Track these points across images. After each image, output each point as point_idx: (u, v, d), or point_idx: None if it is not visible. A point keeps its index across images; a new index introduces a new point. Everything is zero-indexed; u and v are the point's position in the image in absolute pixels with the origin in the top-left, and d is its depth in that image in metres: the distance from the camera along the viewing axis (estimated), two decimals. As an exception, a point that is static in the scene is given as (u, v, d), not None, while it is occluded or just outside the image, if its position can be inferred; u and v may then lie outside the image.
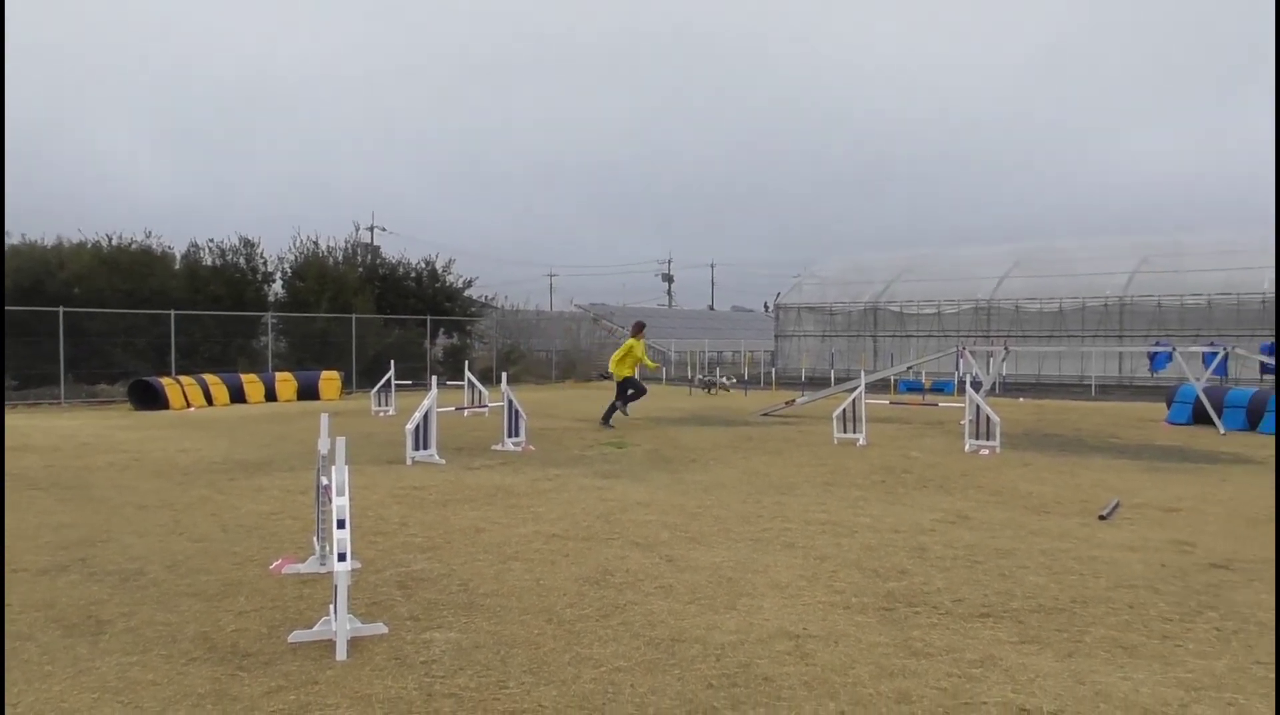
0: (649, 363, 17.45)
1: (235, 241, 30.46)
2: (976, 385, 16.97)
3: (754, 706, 3.89)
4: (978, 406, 13.32)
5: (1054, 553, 6.72)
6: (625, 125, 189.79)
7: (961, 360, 23.18)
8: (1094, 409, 22.31)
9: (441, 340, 34.91)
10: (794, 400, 20.34)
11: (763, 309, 65.22)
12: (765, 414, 19.61)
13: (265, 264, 31.11)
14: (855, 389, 14.69)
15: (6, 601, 5.37)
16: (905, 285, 38.29)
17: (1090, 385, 30.27)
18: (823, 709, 3.87)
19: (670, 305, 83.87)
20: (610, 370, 17.60)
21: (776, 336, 41.89)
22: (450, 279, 35.09)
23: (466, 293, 35.65)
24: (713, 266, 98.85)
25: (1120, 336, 32.19)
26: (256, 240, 30.84)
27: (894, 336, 37.77)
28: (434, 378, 13.45)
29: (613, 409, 16.93)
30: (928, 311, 37.05)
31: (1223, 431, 16.10)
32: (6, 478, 10.03)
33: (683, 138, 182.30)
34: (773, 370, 37.86)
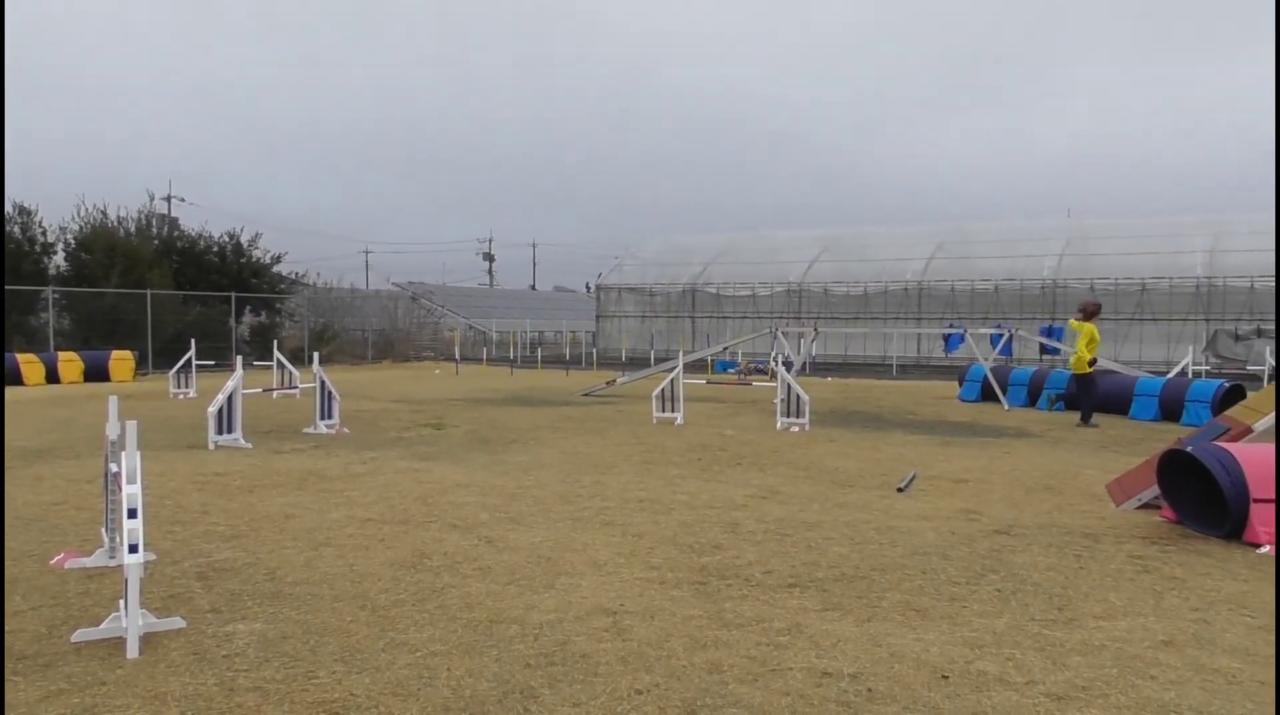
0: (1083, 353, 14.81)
1: (9, 209, 27.76)
2: (787, 365, 17.65)
3: (571, 684, 3.90)
4: (789, 385, 13.87)
5: (856, 524, 7.09)
6: (445, 99, 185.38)
7: (775, 342, 24.09)
8: (895, 387, 23.68)
9: (248, 319, 33.15)
10: (614, 380, 20.55)
11: (584, 289, 65.57)
12: (586, 394, 19.73)
13: (44, 234, 28.54)
14: (673, 369, 14.99)
15: None
16: (722, 268, 39.37)
17: (892, 365, 32.11)
18: (638, 682, 3.92)
19: (491, 285, 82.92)
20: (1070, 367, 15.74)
21: (598, 317, 42.21)
22: (257, 254, 33.30)
23: (275, 269, 33.94)
24: (534, 246, 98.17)
25: (918, 319, 34.30)
26: (33, 208, 28.24)
27: (712, 318, 38.80)
28: (239, 358, 12.75)
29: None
30: (743, 293, 38.25)
31: (1007, 408, 17.43)
32: None
33: (505, 114, 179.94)
34: (594, 350, 38.14)
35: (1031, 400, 17.96)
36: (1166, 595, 5.27)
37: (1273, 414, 7.58)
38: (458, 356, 32.73)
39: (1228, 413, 8.60)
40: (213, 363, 22.10)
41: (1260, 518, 6.39)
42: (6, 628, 4.55)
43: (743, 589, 5.33)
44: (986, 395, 18.72)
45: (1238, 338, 27.09)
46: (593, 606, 4.96)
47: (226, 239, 32.84)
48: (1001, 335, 21.35)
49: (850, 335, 34.31)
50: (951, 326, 26.72)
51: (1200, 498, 6.97)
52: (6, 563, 5.76)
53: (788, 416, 13.75)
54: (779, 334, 21.56)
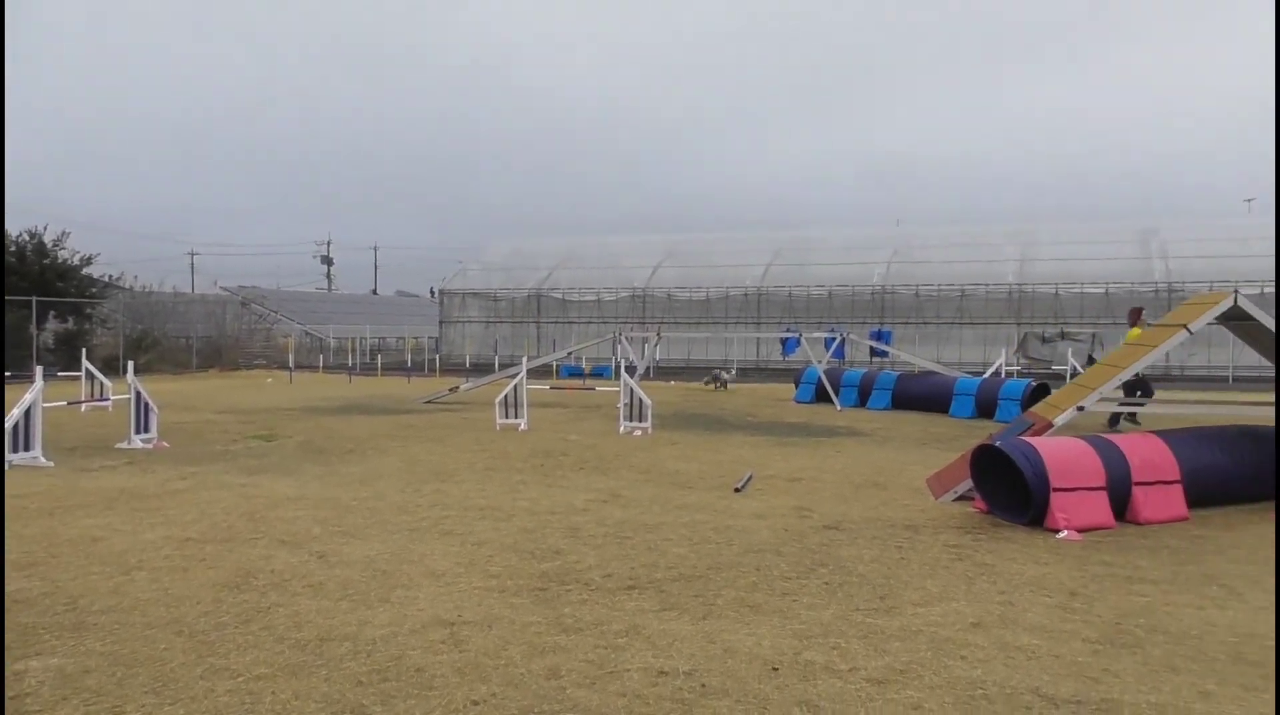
0: None
1: None
2: (631, 370, 17.84)
3: (405, 699, 3.81)
4: (631, 390, 14.02)
5: (695, 525, 7.23)
6: (278, 92, 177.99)
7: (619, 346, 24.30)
8: (735, 390, 24.29)
9: (52, 325, 30.78)
10: (458, 387, 20.25)
11: (429, 294, 64.34)
12: (428, 401, 19.35)
13: None
14: (517, 375, 14.89)
15: None
16: (567, 273, 39.43)
17: (733, 368, 32.93)
18: (474, 693, 3.87)
19: (330, 289, 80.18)
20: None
21: (441, 322, 41.47)
22: (63, 255, 30.87)
23: (85, 271, 31.63)
24: (376, 249, 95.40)
25: (758, 323, 35.34)
26: None
27: (557, 323, 38.79)
28: (40, 368, 11.83)
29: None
30: (588, 298, 38.43)
31: (839, 408, 18.17)
32: None
33: (343, 110, 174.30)
34: (437, 357, 37.44)
35: (862, 400, 18.79)
36: (977, 581, 5.61)
37: (1072, 409, 8.20)
38: (292, 364, 31.47)
39: (1032, 409, 9.25)
40: (10, 374, 20.45)
41: (1059, 505, 6.90)
42: None
43: (582, 593, 5.34)
44: (821, 396, 19.46)
45: (1044, 340, 29.19)
46: (429, 618, 4.86)
47: (27, 238, 30.35)
48: (835, 338, 22.27)
49: (693, 340, 34.98)
50: (789, 330, 27.64)
51: (1009, 488, 7.46)
52: None
53: (630, 421, 13.89)
54: (623, 339, 21.78)
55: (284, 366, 32.07)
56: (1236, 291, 8.16)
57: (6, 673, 4.09)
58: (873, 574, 5.75)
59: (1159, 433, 8.05)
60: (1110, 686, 3.94)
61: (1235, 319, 8.45)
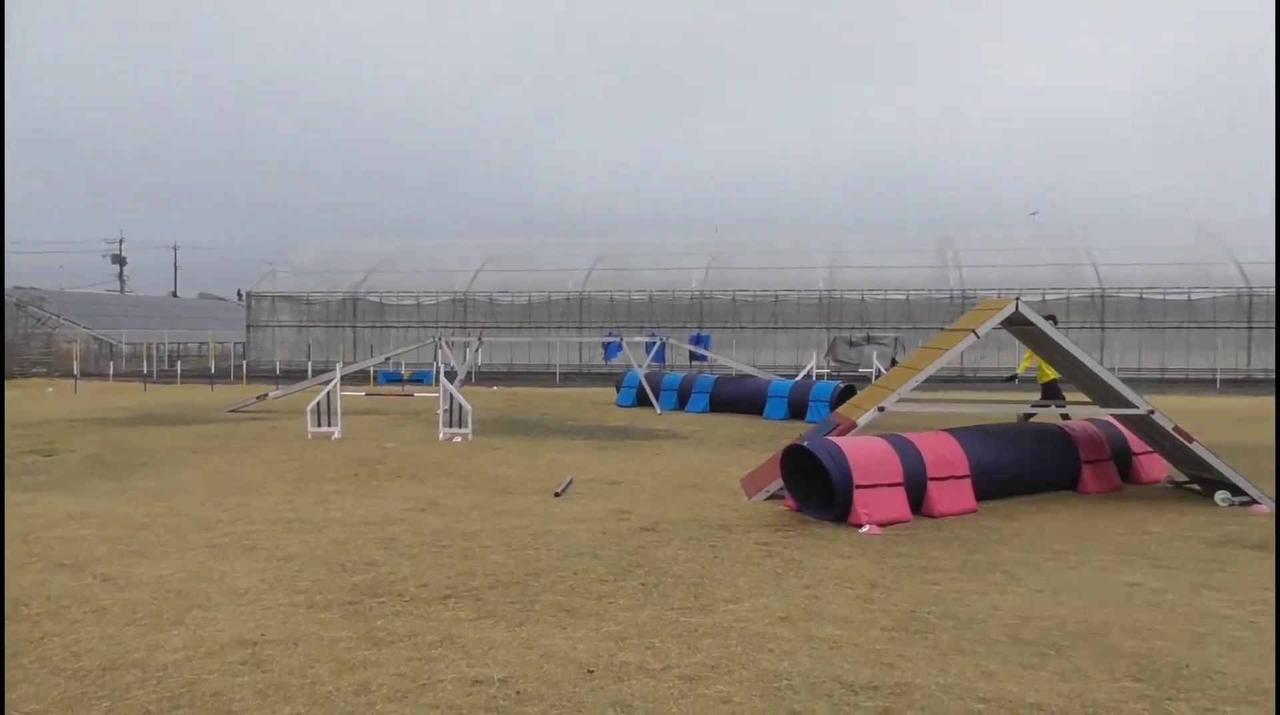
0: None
1: None
2: (451, 375, 17.53)
3: (198, 727, 3.59)
4: (451, 396, 13.77)
5: (514, 531, 7.17)
6: (63, 74, 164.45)
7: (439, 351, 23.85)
8: (558, 395, 24.32)
9: None
10: (266, 394, 19.29)
11: (235, 297, 60.95)
12: (234, 410, 18.33)
13: None
14: (331, 381, 14.35)
15: None
16: (385, 276, 38.35)
17: (555, 372, 32.96)
18: (278, 714, 3.69)
19: (122, 291, 74.69)
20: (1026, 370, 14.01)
21: (249, 327, 39.43)
22: None
23: None
24: (176, 248, 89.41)
25: (580, 328, 35.51)
26: None
27: (374, 327, 37.67)
28: None
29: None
30: (407, 302, 37.51)
31: (659, 411, 18.49)
32: None
33: (137, 94, 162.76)
34: (244, 363, 35.59)
35: (681, 403, 19.19)
36: (786, 576, 5.84)
37: (874, 410, 8.65)
38: (77, 372, 29.13)
39: (838, 410, 9.71)
40: None
41: (862, 501, 7.28)
42: None
43: (396, 605, 5.20)
44: (642, 400, 19.74)
45: (852, 344, 30.68)
46: (229, 639, 4.60)
47: None
48: (655, 343, 22.65)
49: (515, 344, 34.77)
50: (610, 335, 27.91)
51: (817, 487, 7.80)
52: None
53: (450, 427, 13.65)
54: (443, 343, 21.37)
55: (68, 374, 29.65)
56: (1018, 298, 8.84)
57: None
58: (687, 573, 5.88)
59: (950, 431, 8.62)
60: (904, 671, 4.18)
61: (1017, 324, 9.14)
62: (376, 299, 37.84)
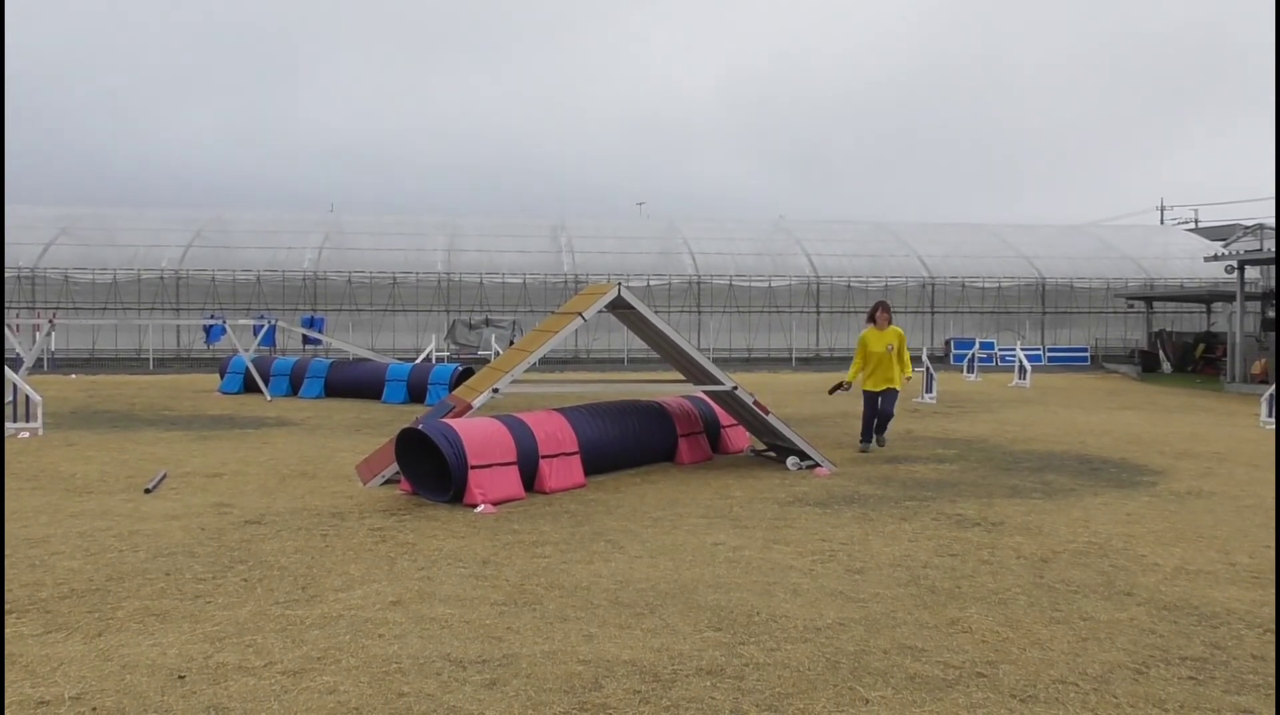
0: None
1: None
2: (16, 363, 15.27)
3: None
4: (16, 386, 12.01)
5: (93, 533, 6.43)
6: None
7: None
8: (151, 383, 22.06)
9: None
10: None
11: None
12: None
13: None
14: None
15: None
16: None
17: (149, 358, 29.80)
18: None
19: None
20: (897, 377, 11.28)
21: None
22: None
23: None
24: None
25: (177, 310, 32.41)
26: None
27: (-91, 307, 31.61)
28: None
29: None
30: (-45, 278, 31.90)
31: (269, 398, 17.44)
32: None
33: None
34: None
35: (294, 389, 18.25)
36: (399, 560, 5.80)
37: (488, 391, 8.82)
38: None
39: (455, 392, 9.79)
40: None
41: (476, 482, 7.42)
42: None
43: (-65, 630, 4.46)
44: (250, 386, 18.50)
45: (471, 327, 31.00)
46: None
47: None
48: (263, 326, 21.31)
49: (99, 327, 30.92)
50: (213, 317, 25.80)
51: (434, 469, 7.81)
52: None
53: (16, 421, 11.89)
54: (8, 328, 18.50)
55: None
56: (620, 284, 9.45)
57: None
58: (295, 565, 5.64)
59: (560, 409, 9.03)
60: (511, 643, 4.34)
61: (621, 308, 9.78)
62: (-88, 272, 31.77)
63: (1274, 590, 5.37)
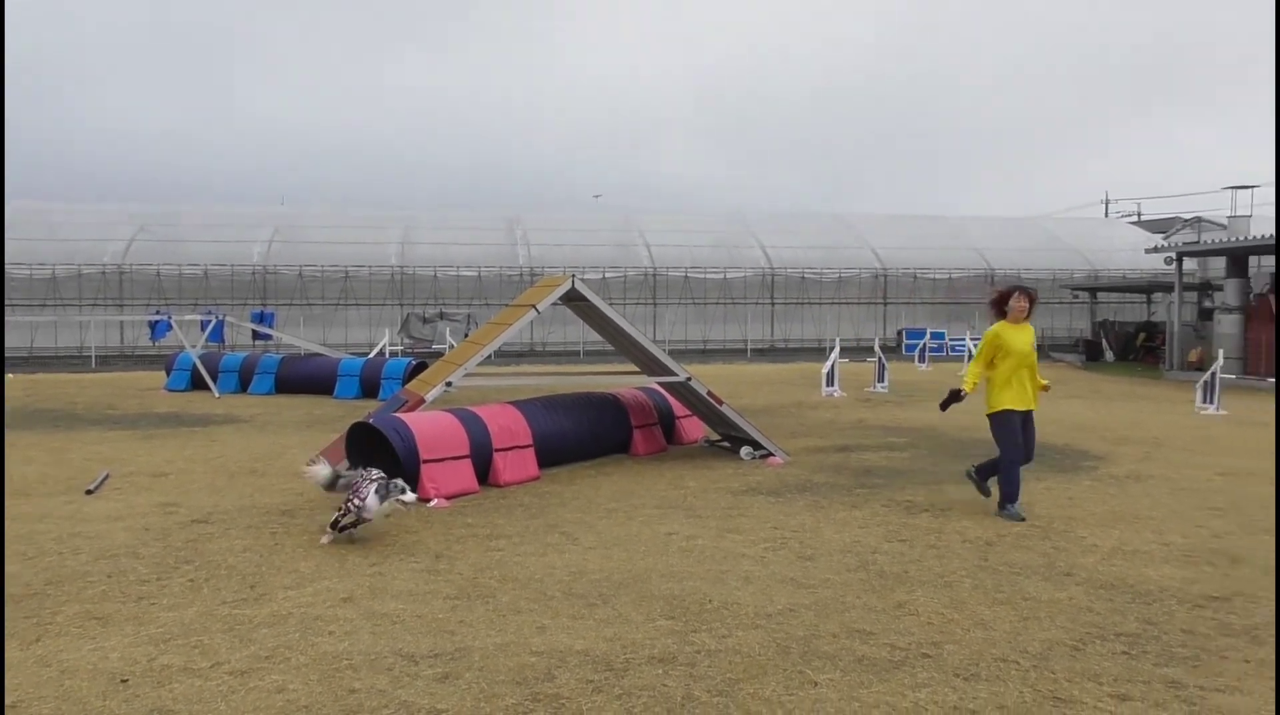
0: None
1: None
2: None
3: None
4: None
5: (32, 536, 6.28)
6: None
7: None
8: (94, 381, 21.56)
9: None
10: None
11: None
12: None
13: None
14: None
15: None
16: None
17: (91, 356, 29.13)
18: None
19: None
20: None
21: None
22: None
23: None
24: None
25: (121, 305, 31.70)
26: None
27: None
28: None
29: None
30: (-113, 275, 30.90)
31: (218, 395, 17.14)
32: None
33: None
34: None
35: (244, 386, 17.96)
36: (350, 556, 5.75)
37: (441, 385, 8.76)
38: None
39: (408, 386, 9.70)
40: None
41: (429, 475, 7.36)
42: None
43: None
44: (198, 383, 18.16)
45: (425, 320, 30.72)
46: None
47: None
48: (211, 321, 20.92)
49: (37, 324, 30.15)
50: (158, 313, 25.26)
51: (386, 464, 7.74)
52: None
53: (-51, 422, 11.54)
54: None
55: None
56: (574, 276, 9.43)
57: None
58: (243, 564, 5.56)
59: (514, 403, 9.00)
60: (464, 636, 4.33)
61: (575, 300, 9.75)
62: None
63: (1207, 569, 5.53)
